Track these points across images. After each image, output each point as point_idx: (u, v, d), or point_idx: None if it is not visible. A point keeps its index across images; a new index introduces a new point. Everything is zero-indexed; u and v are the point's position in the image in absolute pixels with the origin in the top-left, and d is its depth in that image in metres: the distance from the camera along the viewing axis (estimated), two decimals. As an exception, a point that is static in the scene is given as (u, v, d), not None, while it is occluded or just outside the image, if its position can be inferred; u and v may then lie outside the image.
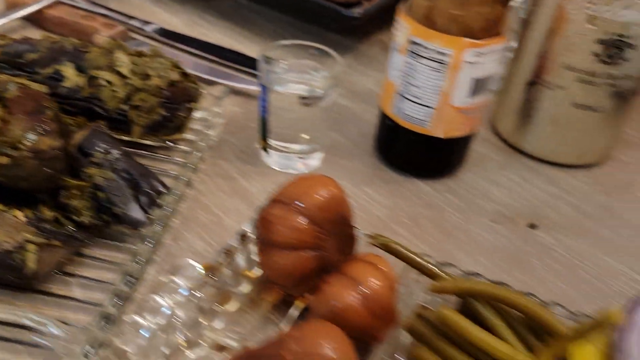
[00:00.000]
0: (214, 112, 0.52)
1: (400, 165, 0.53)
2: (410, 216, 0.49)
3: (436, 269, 0.38)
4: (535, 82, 0.55)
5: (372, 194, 0.51)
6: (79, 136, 0.42)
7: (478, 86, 0.47)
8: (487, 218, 0.50)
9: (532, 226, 0.50)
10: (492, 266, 0.45)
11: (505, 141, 0.60)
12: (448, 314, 0.34)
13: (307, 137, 0.51)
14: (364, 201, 0.50)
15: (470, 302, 0.37)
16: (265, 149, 0.52)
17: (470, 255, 0.46)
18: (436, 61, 0.46)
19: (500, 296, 0.35)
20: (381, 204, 0.50)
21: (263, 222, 0.36)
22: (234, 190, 0.50)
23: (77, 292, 0.38)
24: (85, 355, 0.32)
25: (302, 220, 0.35)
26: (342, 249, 0.37)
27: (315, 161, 0.53)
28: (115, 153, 0.42)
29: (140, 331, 0.33)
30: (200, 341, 0.36)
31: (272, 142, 0.51)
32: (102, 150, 0.42)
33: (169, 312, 0.35)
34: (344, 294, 0.34)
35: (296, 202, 0.36)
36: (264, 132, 0.51)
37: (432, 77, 0.46)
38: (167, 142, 0.50)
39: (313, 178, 0.38)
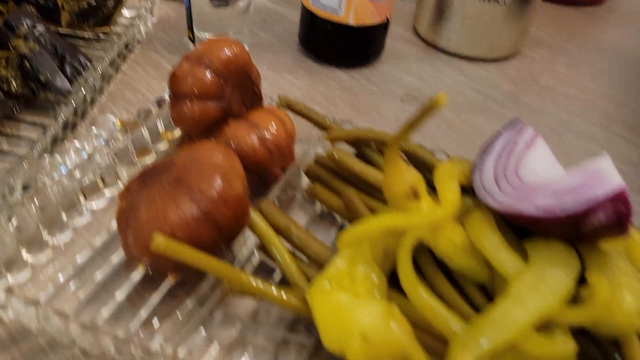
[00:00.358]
0: (145, 8, 0.55)
1: (320, 55, 0.57)
2: (327, 97, 0.53)
3: (332, 123, 0.43)
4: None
5: (292, 80, 0.55)
6: (6, 15, 0.45)
7: (384, -28, 0.51)
8: (397, 99, 0.54)
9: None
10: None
11: (423, 40, 0.64)
12: (337, 150, 0.39)
13: (231, 32, 0.54)
14: (284, 86, 0.54)
15: (361, 149, 0.41)
16: (192, 40, 0.55)
17: (378, 126, 0.50)
18: (343, -53, 0.49)
19: (385, 139, 0.40)
20: (301, 88, 0.54)
21: (172, 78, 0.40)
22: (161, 76, 0.53)
23: (3, 146, 0.42)
24: (10, 192, 0.36)
25: (207, 74, 0.39)
26: (246, 103, 0.41)
27: (240, 52, 0.56)
28: (41, 28, 0.45)
29: (61, 168, 0.37)
30: (118, 181, 0.40)
31: (198, 33, 0.54)
32: (28, 25, 0.45)
33: (85, 155, 0.38)
34: (244, 135, 0.38)
35: (203, 58, 0.39)
36: (190, 23, 0.54)
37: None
38: (96, 34, 0.54)
39: (220, 40, 0.41)
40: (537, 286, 0.27)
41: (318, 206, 0.41)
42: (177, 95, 0.40)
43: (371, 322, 0.25)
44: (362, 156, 0.41)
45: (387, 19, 0.56)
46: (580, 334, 0.28)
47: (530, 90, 0.59)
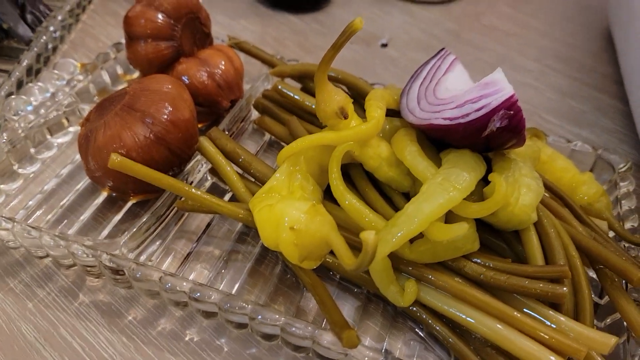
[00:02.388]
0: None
1: (272, 1, 0.60)
2: (277, 39, 0.56)
3: (277, 60, 0.46)
4: None
5: (245, 24, 0.58)
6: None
7: None
8: (345, 40, 0.58)
9: (384, 45, 0.58)
10: (342, 73, 0.53)
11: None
12: (281, 83, 0.43)
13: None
14: (238, 30, 0.57)
15: (305, 82, 0.45)
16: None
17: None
18: None
19: (330, 74, 0.43)
20: (253, 32, 0.57)
21: (126, 20, 0.43)
22: (120, 24, 0.55)
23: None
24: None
25: (158, 15, 0.42)
26: (196, 42, 0.44)
27: (195, -1, 0.59)
28: (0, -21, 0.48)
29: (26, 106, 0.40)
30: (80, 120, 0.43)
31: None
32: (-13, -24, 0.47)
33: (49, 95, 0.42)
34: (194, 71, 0.42)
35: (154, 1, 0.42)
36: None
37: None
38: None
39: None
40: (443, 184, 0.31)
41: (267, 136, 0.44)
42: (132, 37, 0.43)
43: (298, 216, 0.29)
44: (306, 90, 0.45)
45: (335, -36, 0.59)
46: (486, 227, 0.33)
47: (473, 28, 0.62)
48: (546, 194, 0.37)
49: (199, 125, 0.44)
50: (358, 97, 0.43)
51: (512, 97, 0.30)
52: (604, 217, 0.37)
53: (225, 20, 0.58)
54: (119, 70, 0.47)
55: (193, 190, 0.33)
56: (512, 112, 0.30)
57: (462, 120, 0.31)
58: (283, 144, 0.44)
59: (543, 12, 0.67)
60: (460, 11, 0.65)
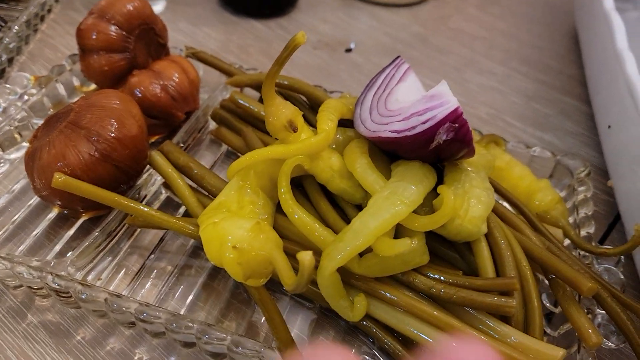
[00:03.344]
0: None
1: (237, 7, 0.60)
2: (241, 47, 0.56)
3: (235, 70, 0.46)
4: None
5: (209, 32, 0.57)
6: None
7: None
8: (310, 46, 0.57)
9: (348, 50, 0.57)
10: (306, 79, 0.52)
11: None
12: (237, 94, 0.42)
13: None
14: (201, 38, 0.57)
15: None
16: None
17: (289, 73, 0.53)
18: None
19: (286, 84, 0.43)
20: (217, 39, 0.57)
21: (78, 32, 0.42)
22: (81, 33, 0.55)
23: None
24: None
25: (110, 27, 0.42)
26: (151, 54, 0.44)
27: (158, 7, 0.58)
28: (-47, -9, 0.47)
29: (-25, 123, 0.40)
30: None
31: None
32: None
33: (0, 109, 0.41)
34: (147, 83, 0.41)
35: (106, 13, 0.42)
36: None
37: None
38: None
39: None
40: (390, 198, 0.30)
41: (224, 147, 0.44)
42: (85, 50, 0.42)
43: (241, 234, 0.29)
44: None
45: (298, -31, 0.58)
46: (438, 238, 0.33)
47: (439, 32, 0.62)
48: (501, 203, 0.37)
49: (155, 137, 0.43)
50: (315, 106, 0.42)
51: (456, 109, 0.30)
52: (559, 225, 0.37)
53: (188, 27, 0.57)
54: (75, 82, 0.46)
55: (140, 206, 0.33)
56: (457, 125, 0.30)
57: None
58: (240, 155, 0.43)
59: (510, 14, 0.66)
60: (427, 14, 0.65)
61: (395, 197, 0.30)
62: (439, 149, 0.32)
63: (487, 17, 0.65)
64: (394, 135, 0.32)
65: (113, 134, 0.33)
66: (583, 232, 0.37)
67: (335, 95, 0.44)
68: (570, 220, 0.39)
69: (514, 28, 0.64)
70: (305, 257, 0.25)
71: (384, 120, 0.34)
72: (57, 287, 0.31)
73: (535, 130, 0.50)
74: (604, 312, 0.32)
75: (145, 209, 0.33)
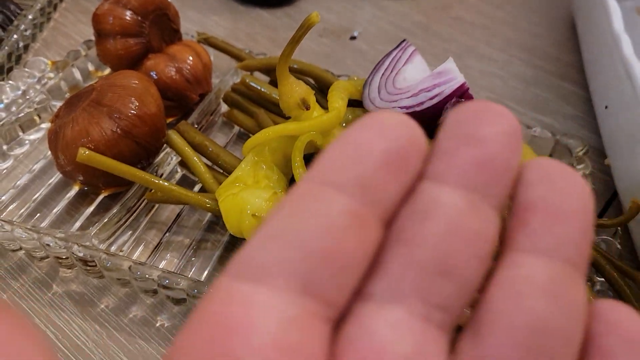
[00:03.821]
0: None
1: (243, -4, 0.61)
2: (249, 35, 0.57)
3: (246, 55, 0.47)
4: None
5: (217, 20, 0.59)
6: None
7: None
8: (316, 34, 0.59)
9: (353, 38, 0.59)
10: (312, 66, 0.54)
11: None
12: (249, 77, 0.44)
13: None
14: (210, 26, 0.58)
15: (273, 76, 0.46)
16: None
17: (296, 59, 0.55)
18: None
19: (296, 67, 0.45)
20: (225, 28, 0.58)
21: (95, 17, 0.44)
22: (93, 22, 0.56)
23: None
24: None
25: (126, 12, 0.43)
26: (165, 38, 0.45)
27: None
28: (-30, -21, 0.48)
29: (-3, 104, 0.41)
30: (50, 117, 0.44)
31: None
32: (-43, -24, 0.48)
33: (20, 92, 0.42)
34: (162, 66, 0.43)
35: (121, -1, 0.43)
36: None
37: None
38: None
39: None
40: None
41: (236, 128, 0.45)
42: (101, 34, 0.44)
43: (260, 204, 0.31)
44: (273, 82, 0.46)
45: (303, -41, 0.60)
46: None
47: (441, 21, 0.64)
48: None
49: (170, 119, 0.45)
50: (324, 88, 0.44)
51: (463, 85, 0.31)
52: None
53: (197, 16, 0.59)
54: (90, 67, 0.48)
55: (160, 181, 0.34)
56: (463, 100, 0.32)
57: (417, 109, 0.33)
58: (251, 135, 0.45)
59: (510, 4, 0.68)
60: (428, 4, 0.66)
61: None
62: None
63: (486, 7, 0.67)
64: (403, 111, 0.34)
65: (134, 112, 0.35)
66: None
67: (343, 78, 0.46)
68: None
69: (513, 17, 0.65)
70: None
71: (392, 97, 0.35)
72: (84, 256, 0.32)
73: (536, 113, 0.51)
74: (602, 279, 0.34)
75: (165, 184, 0.34)
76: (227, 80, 0.47)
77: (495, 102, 0.41)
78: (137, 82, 0.37)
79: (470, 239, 0.13)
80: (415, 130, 0.14)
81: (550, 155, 0.44)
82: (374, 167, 0.13)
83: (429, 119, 0.33)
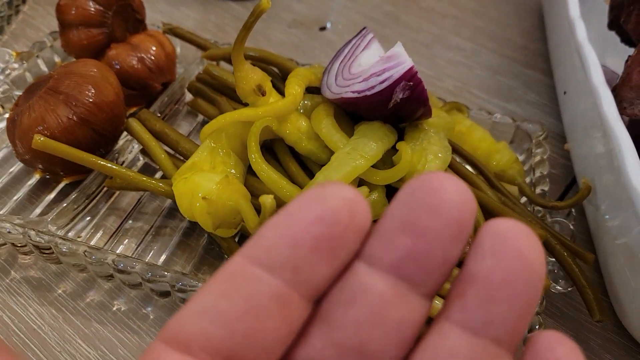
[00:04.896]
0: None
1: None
2: (218, 26, 0.58)
3: (211, 44, 0.48)
4: None
5: (186, 11, 0.59)
6: None
7: None
8: (285, 25, 0.59)
9: (322, 29, 0.59)
10: (280, 56, 0.55)
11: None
12: (212, 66, 0.44)
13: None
14: (179, 17, 0.58)
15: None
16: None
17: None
18: None
19: (257, 56, 0.45)
20: (195, 19, 0.58)
21: (58, 8, 0.44)
22: (62, 14, 0.57)
23: None
24: None
25: (89, 3, 0.43)
26: (129, 29, 0.46)
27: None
28: None
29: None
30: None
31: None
32: None
33: (-17, 82, 0.43)
34: (124, 56, 0.43)
35: (83, -11, 0.43)
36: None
37: None
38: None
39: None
40: (351, 153, 0.33)
41: (200, 117, 0.46)
42: (65, 25, 0.44)
43: (210, 186, 0.31)
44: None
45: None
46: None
47: (410, 11, 0.64)
48: (460, 162, 0.39)
49: (133, 109, 0.45)
50: (287, 77, 0.44)
51: (411, 69, 0.32)
52: (515, 182, 0.40)
53: (166, 8, 0.59)
54: (56, 58, 0.48)
55: (115, 167, 0.34)
56: (412, 84, 0.32)
57: (368, 93, 0.33)
58: (216, 124, 0.45)
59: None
60: (399, -5, 0.67)
61: (356, 152, 0.33)
62: (397, 108, 0.34)
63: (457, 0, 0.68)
64: (355, 95, 0.34)
65: (91, 99, 0.35)
66: (538, 190, 0.39)
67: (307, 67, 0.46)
68: (527, 180, 0.41)
69: (482, 6, 0.66)
70: (267, 199, 0.27)
71: (347, 83, 0.36)
72: (40, 241, 0.33)
73: (500, 101, 0.52)
74: (553, 259, 0.35)
75: (122, 170, 0.35)
76: (191, 70, 0.47)
77: (460, 89, 0.42)
78: (95, 70, 0.37)
79: (390, 328, 0.14)
80: (358, 207, 0.14)
81: (511, 142, 0.45)
82: (306, 251, 0.14)
83: (380, 102, 0.33)
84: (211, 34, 0.56)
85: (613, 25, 0.43)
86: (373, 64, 0.34)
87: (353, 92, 0.34)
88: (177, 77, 0.46)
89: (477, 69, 0.56)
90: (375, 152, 0.33)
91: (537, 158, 0.42)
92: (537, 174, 0.41)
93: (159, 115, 0.43)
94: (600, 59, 0.39)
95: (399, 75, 0.32)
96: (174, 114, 0.45)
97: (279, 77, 0.45)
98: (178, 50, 0.49)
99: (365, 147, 0.33)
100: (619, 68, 0.39)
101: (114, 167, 0.34)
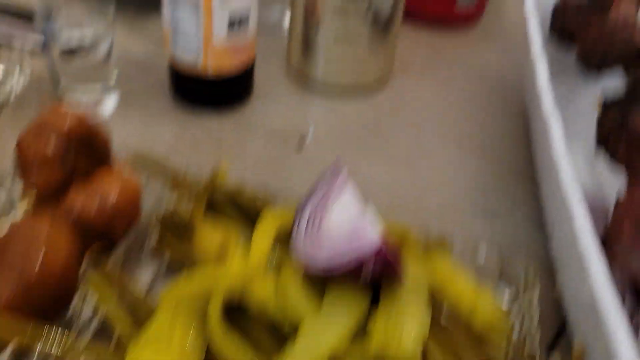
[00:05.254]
0: (15, 65, 0.57)
1: (188, 105, 0.60)
2: (193, 145, 0.56)
3: (182, 177, 0.45)
4: (308, 19, 0.62)
5: (160, 131, 0.57)
6: None
7: (234, 22, 0.53)
8: (262, 140, 0.57)
9: (300, 144, 0.57)
10: (257, 173, 0.52)
11: (295, 75, 0.67)
12: (180, 206, 0.42)
13: (100, 84, 0.57)
14: (153, 136, 0.56)
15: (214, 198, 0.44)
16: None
17: (240, 166, 0.53)
18: (192, 4, 0.52)
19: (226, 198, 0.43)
20: (169, 138, 0.56)
21: (17, 147, 0.42)
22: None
23: None
24: None
25: (49, 142, 0.41)
26: (92, 164, 0.43)
27: (109, 106, 0.59)
28: None
29: None
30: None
31: (67, 85, 0.56)
32: None
33: None
34: (83, 203, 0.41)
35: (44, 128, 0.42)
36: (55, 78, 0.56)
37: (191, 19, 0.53)
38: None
39: (61, 108, 0.43)
40: (319, 334, 0.30)
41: (166, 257, 0.43)
42: (23, 163, 0.42)
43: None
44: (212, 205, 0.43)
45: (251, 66, 0.59)
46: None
47: (393, 120, 0.62)
48: (439, 320, 0.36)
49: (95, 248, 0.42)
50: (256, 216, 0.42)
51: (379, 250, 0.30)
52: (500, 339, 0.37)
53: (140, 126, 0.57)
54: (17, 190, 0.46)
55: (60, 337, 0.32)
56: (383, 260, 0.30)
57: (334, 273, 0.31)
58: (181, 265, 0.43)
59: (466, 100, 0.67)
60: (381, 104, 0.65)
61: (324, 333, 0.30)
62: (372, 276, 0.32)
63: (441, 103, 0.66)
64: (324, 271, 0.32)
65: (38, 269, 0.33)
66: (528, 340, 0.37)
67: (281, 198, 0.44)
68: (516, 326, 0.39)
69: (469, 113, 0.65)
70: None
71: (315, 252, 0.33)
72: None
73: (485, 220, 0.50)
74: None
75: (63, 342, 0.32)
76: (160, 202, 0.45)
77: (444, 208, 0.39)
78: (45, 232, 0.35)
79: None
80: None
81: (500, 277, 0.43)
82: None
83: (350, 279, 0.31)
84: (186, 154, 0.54)
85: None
86: (340, 239, 0.32)
87: (321, 269, 0.32)
88: (145, 211, 0.44)
89: (462, 182, 0.54)
90: (345, 331, 0.30)
91: (525, 303, 0.40)
92: (527, 320, 0.39)
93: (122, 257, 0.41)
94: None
95: (367, 255, 0.30)
96: (140, 252, 0.43)
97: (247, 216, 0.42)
98: (145, 177, 0.46)
99: (335, 326, 0.30)
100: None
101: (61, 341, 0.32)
